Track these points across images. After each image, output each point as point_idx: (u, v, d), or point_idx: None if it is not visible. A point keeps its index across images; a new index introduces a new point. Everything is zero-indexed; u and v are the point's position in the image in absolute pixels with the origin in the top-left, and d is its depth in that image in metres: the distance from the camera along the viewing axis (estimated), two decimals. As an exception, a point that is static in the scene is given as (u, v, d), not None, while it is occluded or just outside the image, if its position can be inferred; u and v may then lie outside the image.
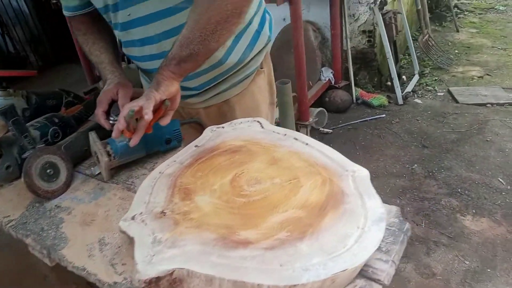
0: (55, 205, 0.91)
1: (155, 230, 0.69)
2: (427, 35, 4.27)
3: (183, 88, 1.19)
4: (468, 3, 6.17)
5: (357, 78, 3.65)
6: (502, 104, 3.30)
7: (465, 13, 5.75)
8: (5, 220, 0.88)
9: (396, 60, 3.70)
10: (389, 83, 3.64)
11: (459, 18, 5.44)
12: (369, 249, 0.63)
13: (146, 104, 0.85)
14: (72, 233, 0.81)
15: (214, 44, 0.88)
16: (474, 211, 2.16)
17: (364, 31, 3.50)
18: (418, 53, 4.15)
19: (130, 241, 0.70)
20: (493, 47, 4.52)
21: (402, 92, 3.48)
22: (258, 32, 1.18)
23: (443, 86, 3.72)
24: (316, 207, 0.72)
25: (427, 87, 3.74)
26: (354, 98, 3.49)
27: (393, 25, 3.52)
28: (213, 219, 0.71)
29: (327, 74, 3.37)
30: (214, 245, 0.65)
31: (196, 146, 0.96)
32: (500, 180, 2.39)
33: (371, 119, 3.23)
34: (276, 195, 0.75)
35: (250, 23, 1.14)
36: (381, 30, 3.29)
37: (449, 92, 3.58)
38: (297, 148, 0.91)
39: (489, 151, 2.69)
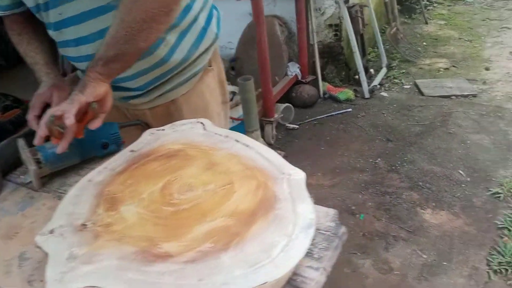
0: (-20, 217, 0.85)
1: (73, 245, 0.65)
2: (395, 27, 4.30)
3: (124, 89, 1.15)
4: (438, -5, 6.25)
5: (324, 73, 3.64)
6: (466, 96, 3.36)
7: (434, 4, 5.81)
8: None
9: (364, 54, 3.72)
10: (357, 76, 3.65)
11: (428, 10, 5.51)
12: (294, 258, 0.61)
13: (68, 108, 0.81)
14: (-8, 247, 0.76)
15: (142, 44, 0.85)
16: (434, 204, 2.19)
17: (330, 25, 3.49)
18: (387, 46, 4.18)
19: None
20: (460, 38, 4.59)
21: (369, 86, 3.50)
22: (204, 29, 1.14)
23: (410, 79, 3.76)
24: (246, 214, 0.69)
25: (394, 80, 3.77)
26: (321, 93, 3.49)
27: (359, 18, 3.52)
28: (136, 230, 0.68)
29: (294, 69, 3.35)
30: (133, 259, 0.62)
31: (131, 151, 0.92)
32: (461, 172, 2.43)
33: (338, 113, 3.23)
34: (206, 203, 0.72)
35: (195, 19, 1.10)
36: (347, 24, 3.29)
37: (416, 84, 3.62)
38: (237, 151, 0.88)
39: (451, 143, 2.73)
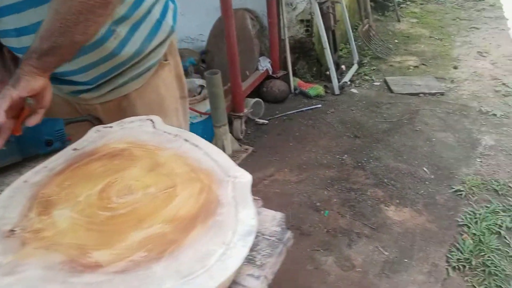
0: None
1: (-3, 253, 0.61)
2: (368, 24, 4.33)
3: (74, 83, 1.10)
4: (410, -7, 6.33)
5: (296, 68, 3.63)
6: (434, 94, 3.41)
7: (407, 3, 5.89)
8: None
9: (335, 50, 3.72)
10: (328, 72, 3.65)
11: (401, 8, 5.57)
12: (231, 268, 0.58)
13: None
14: None
15: (79, 37, 0.80)
16: (397, 201, 2.21)
17: (301, 21, 3.47)
18: (359, 42, 4.20)
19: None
20: (430, 37, 4.66)
21: (339, 82, 3.50)
22: (159, 22, 1.10)
23: (380, 76, 3.79)
24: (185, 221, 0.66)
25: (365, 76, 3.80)
26: (292, 88, 3.48)
27: (331, 14, 3.52)
28: (67, 237, 0.64)
29: (265, 64, 3.32)
30: (60, 269, 0.58)
31: (74, 149, 0.87)
32: (425, 169, 2.46)
33: (308, 109, 3.23)
34: (145, 208, 0.69)
35: (149, 11, 1.06)
36: (318, 19, 3.28)
37: (385, 81, 3.65)
38: (184, 151, 0.85)
39: (417, 141, 2.76)
